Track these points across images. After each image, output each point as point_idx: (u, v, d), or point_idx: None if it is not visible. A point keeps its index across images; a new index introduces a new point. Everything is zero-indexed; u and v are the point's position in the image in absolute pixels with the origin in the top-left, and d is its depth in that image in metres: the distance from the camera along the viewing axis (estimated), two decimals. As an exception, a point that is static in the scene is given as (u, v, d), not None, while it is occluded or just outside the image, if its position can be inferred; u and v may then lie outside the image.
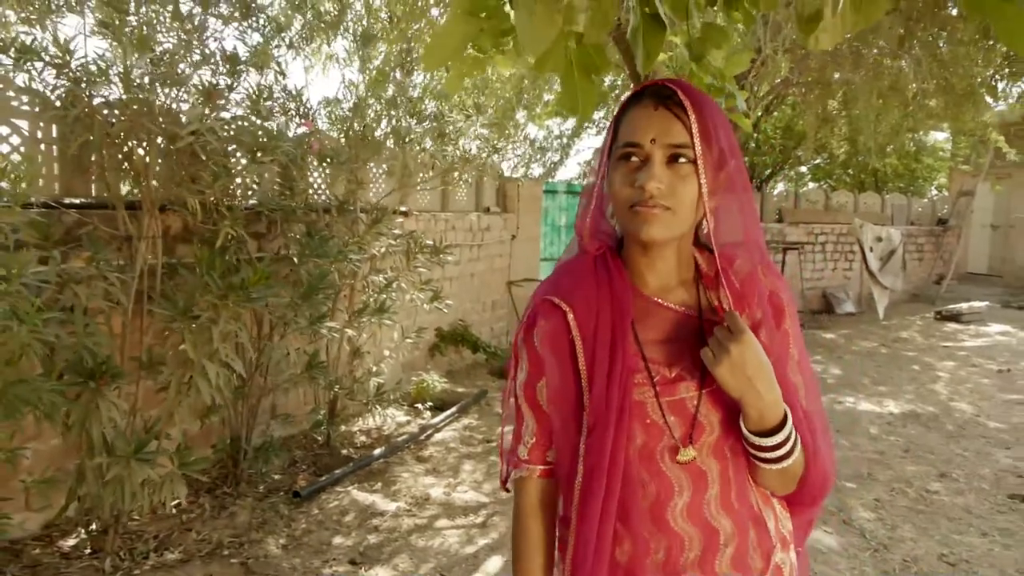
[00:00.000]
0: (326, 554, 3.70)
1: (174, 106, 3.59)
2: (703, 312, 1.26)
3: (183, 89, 3.52)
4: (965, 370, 8.66)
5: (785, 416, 1.17)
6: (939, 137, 17.22)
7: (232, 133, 3.50)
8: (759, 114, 9.89)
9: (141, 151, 3.46)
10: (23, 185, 2.75)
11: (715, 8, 2.41)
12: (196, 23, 3.49)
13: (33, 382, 2.76)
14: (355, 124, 5.00)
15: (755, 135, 11.80)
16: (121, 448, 3.21)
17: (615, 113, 1.25)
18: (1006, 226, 16.12)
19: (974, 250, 17.14)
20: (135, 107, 3.32)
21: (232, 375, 3.72)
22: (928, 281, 15.57)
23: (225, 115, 3.55)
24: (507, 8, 1.39)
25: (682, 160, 1.16)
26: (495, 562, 3.66)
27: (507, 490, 1.41)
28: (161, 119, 3.45)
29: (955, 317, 12.42)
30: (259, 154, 3.49)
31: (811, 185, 18.96)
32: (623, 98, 1.25)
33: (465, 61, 1.46)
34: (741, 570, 1.22)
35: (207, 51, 3.69)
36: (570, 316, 1.25)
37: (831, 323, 11.89)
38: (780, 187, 18.18)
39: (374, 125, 5.16)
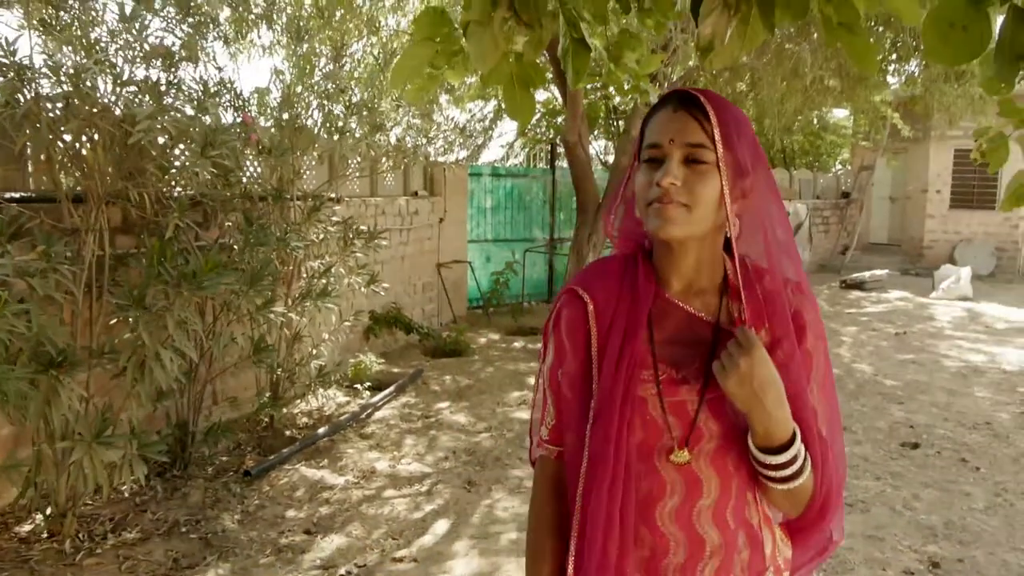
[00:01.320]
0: (281, 526, 3.92)
1: (119, 102, 3.70)
2: (721, 320, 1.27)
3: (126, 85, 3.63)
4: (866, 334, 9.34)
5: (794, 435, 1.18)
6: (840, 115, 18.11)
7: (178, 128, 3.64)
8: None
9: (88, 146, 3.56)
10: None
11: (629, 16, 2.70)
12: (136, 21, 3.60)
13: (1, 370, 2.89)
14: (285, 114, 5.15)
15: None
16: (83, 433, 3.36)
17: (643, 119, 1.30)
18: (903, 198, 17.14)
19: (875, 221, 18.17)
20: (83, 104, 3.43)
21: (183, 361, 3.88)
22: (834, 252, 16.47)
23: (171, 112, 3.67)
24: (458, 34, 1.66)
25: (699, 160, 1.19)
26: (442, 525, 3.95)
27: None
28: (106, 115, 3.57)
29: (858, 285, 13.25)
30: (207, 148, 3.63)
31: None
32: (653, 104, 1.31)
33: (424, 77, 1.72)
34: None
35: (146, 47, 3.81)
36: (589, 307, 1.30)
37: (745, 295, 12.51)
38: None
39: (304, 115, 5.32)
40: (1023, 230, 15.22)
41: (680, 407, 1.23)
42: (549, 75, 5.64)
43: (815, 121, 16.32)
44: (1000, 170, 2.06)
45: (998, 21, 1.38)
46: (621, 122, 11.85)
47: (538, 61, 1.76)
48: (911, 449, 5.08)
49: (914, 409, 6.05)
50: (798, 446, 1.18)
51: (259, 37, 4.89)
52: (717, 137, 1.18)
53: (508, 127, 14.76)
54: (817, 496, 1.22)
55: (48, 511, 3.83)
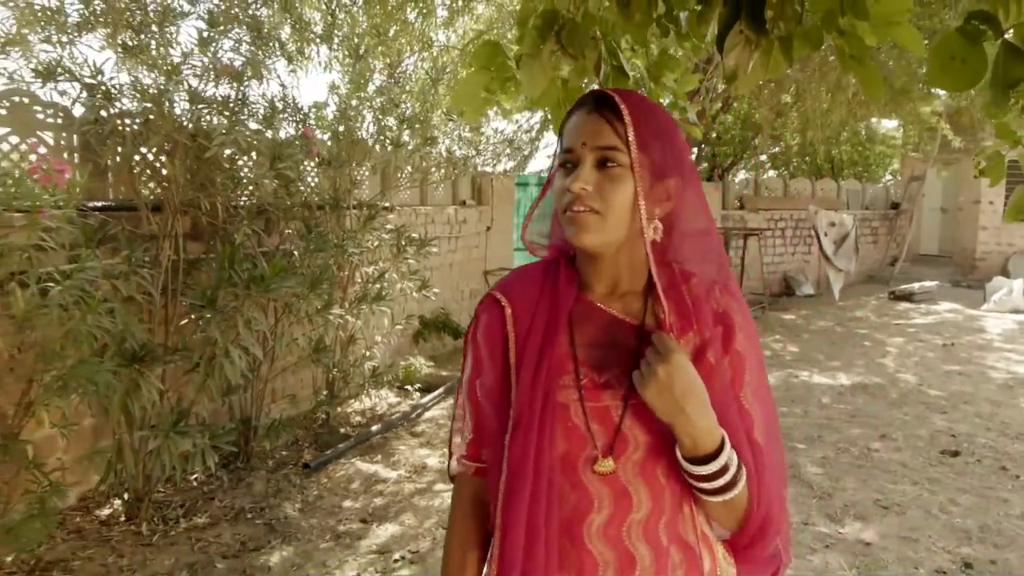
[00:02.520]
0: (339, 515, 4.16)
1: (193, 118, 4.01)
2: (646, 324, 1.21)
3: (201, 103, 3.93)
4: (912, 345, 9.32)
5: (722, 443, 1.12)
6: (890, 125, 17.95)
7: (249, 143, 3.93)
8: (718, 106, 10.44)
9: (166, 159, 3.86)
10: (76, 192, 3.17)
11: (668, 39, 2.91)
12: (210, 46, 3.91)
13: (92, 364, 3.18)
14: (341, 127, 5.43)
15: (715, 126, 12.41)
16: (162, 423, 3.65)
17: (562, 121, 1.27)
18: (954, 209, 16.92)
19: (925, 232, 17.95)
20: (163, 121, 3.74)
21: (249, 359, 4.16)
22: (882, 263, 16.32)
23: (242, 128, 3.96)
24: (511, 63, 1.87)
25: (612, 163, 1.14)
26: (489, 516, 4.16)
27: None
28: (182, 131, 3.88)
29: (907, 297, 13.14)
30: (276, 161, 3.92)
31: (771, 173, 19.66)
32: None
33: (480, 101, 1.93)
34: None
35: (218, 66, 4.12)
36: (507, 311, 1.25)
37: (791, 305, 12.53)
38: (741, 175, 18.85)
39: (359, 128, 5.60)
40: (1080, 242, 14.93)
41: (603, 413, 1.17)
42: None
43: (862, 132, 16.20)
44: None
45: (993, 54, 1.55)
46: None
47: (582, 84, 1.97)
48: (951, 457, 5.14)
49: (957, 419, 6.09)
50: (727, 454, 1.12)
51: (317, 54, 5.16)
52: (631, 138, 1.14)
53: (554, 137, 14.96)
54: (755, 507, 1.15)
55: (125, 496, 4.14)
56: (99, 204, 4.29)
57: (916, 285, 13.40)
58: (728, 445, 1.12)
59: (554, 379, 1.18)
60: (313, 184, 5.65)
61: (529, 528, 1.14)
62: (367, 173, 6.47)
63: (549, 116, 2.19)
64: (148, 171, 4.17)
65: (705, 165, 16.34)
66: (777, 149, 17.92)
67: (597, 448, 1.16)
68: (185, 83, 3.93)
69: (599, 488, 1.15)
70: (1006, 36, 1.46)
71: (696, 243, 1.25)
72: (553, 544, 1.14)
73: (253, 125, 4.44)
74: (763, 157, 19.37)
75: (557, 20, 1.74)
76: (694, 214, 1.24)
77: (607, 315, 1.23)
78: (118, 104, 3.92)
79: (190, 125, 4.10)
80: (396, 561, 3.64)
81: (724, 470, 1.11)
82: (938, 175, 15.78)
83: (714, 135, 15.20)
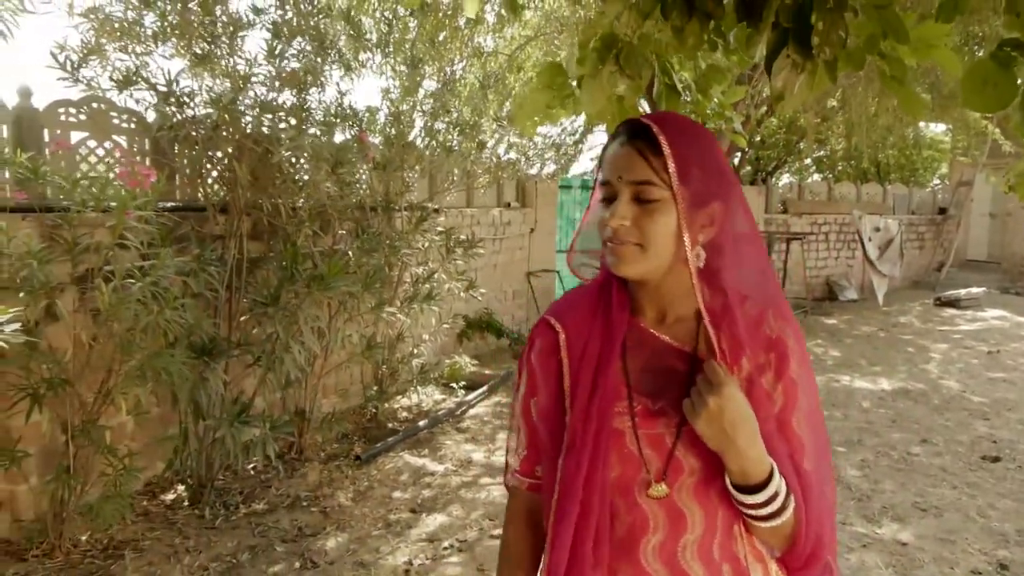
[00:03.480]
0: (389, 505, 4.35)
1: (259, 125, 4.22)
2: (698, 349, 1.23)
3: (268, 111, 4.15)
4: (957, 351, 9.25)
5: (771, 473, 1.13)
6: (938, 130, 17.72)
7: (315, 149, 4.13)
8: (763, 110, 10.47)
9: (236, 163, 4.08)
10: (157, 194, 3.40)
11: (717, 52, 3.03)
12: (277, 58, 4.12)
13: (167, 355, 3.40)
14: (393, 131, 5.62)
15: (759, 129, 12.42)
16: (226, 413, 3.87)
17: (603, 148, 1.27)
18: (1003, 214, 16.65)
19: (974, 238, 17.68)
20: (233, 128, 3.96)
21: (307, 354, 4.37)
22: (929, 268, 16.13)
23: (307, 134, 4.17)
24: (571, 82, 2.02)
25: (648, 199, 1.16)
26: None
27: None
28: (249, 137, 4.09)
29: (953, 303, 12.99)
30: (337, 166, 4.12)
31: (816, 177, 19.53)
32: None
33: (542, 116, 2.09)
34: None
35: (283, 75, 4.33)
36: (561, 337, 1.28)
37: (834, 309, 12.48)
38: (785, 179, 18.75)
39: (408, 133, 5.79)
40: None
41: (657, 440, 1.19)
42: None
43: (910, 136, 16.03)
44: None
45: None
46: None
47: (636, 101, 2.11)
48: (991, 462, 5.17)
49: (999, 425, 6.09)
50: (776, 484, 1.13)
51: (372, 61, 5.35)
52: (671, 170, 1.15)
53: (598, 140, 15.05)
54: (804, 532, 1.16)
55: (189, 482, 4.37)
56: (168, 205, 4.54)
57: (963, 291, 13.24)
58: (777, 475, 1.13)
59: (608, 405, 1.20)
60: (365, 187, 5.86)
61: (575, 548, 1.16)
62: (416, 176, 6.67)
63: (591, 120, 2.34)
64: (215, 174, 4.39)
65: (748, 169, 16.30)
66: (822, 153, 17.80)
67: (650, 472, 1.18)
68: (252, 91, 4.15)
69: (655, 510, 1.18)
70: (1036, 63, 1.57)
71: (744, 265, 1.25)
72: (601, 566, 1.17)
73: (311, 130, 4.65)
74: (807, 161, 19.24)
75: (616, 43, 1.88)
76: (739, 236, 1.24)
77: (659, 342, 1.24)
78: (189, 111, 4.15)
79: (255, 131, 4.32)
80: (445, 549, 3.81)
81: (772, 499, 1.12)
82: (987, 180, 15.53)
83: (758, 139, 15.17)
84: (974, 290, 13.36)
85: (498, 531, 4.03)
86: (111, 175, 3.34)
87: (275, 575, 3.53)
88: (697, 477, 1.17)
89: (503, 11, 6.83)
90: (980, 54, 8.56)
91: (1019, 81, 1.63)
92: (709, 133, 1.26)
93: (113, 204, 3.25)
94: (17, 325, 2.42)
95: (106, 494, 3.58)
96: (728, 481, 1.15)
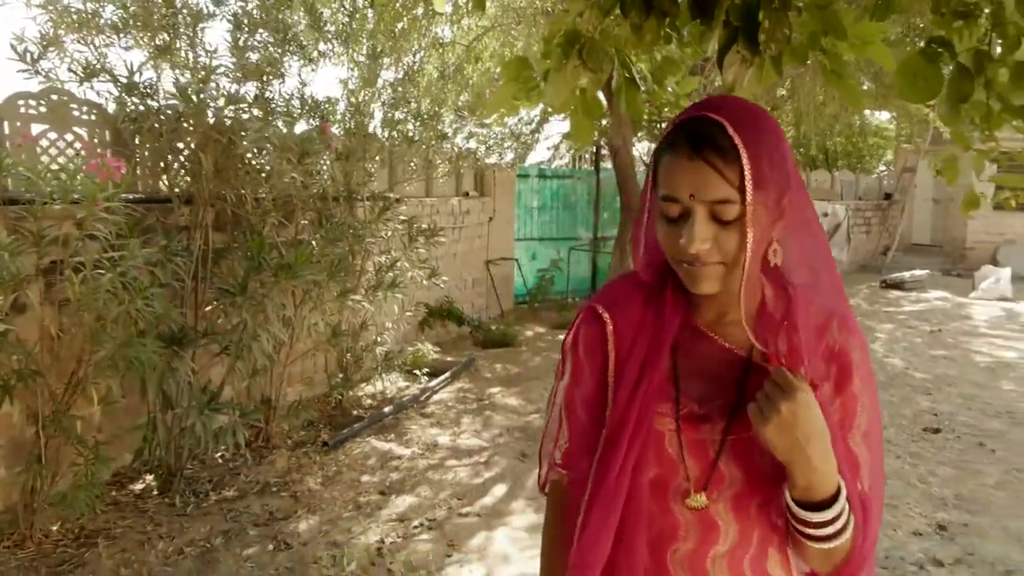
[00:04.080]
0: (358, 488, 4.44)
1: (223, 115, 4.27)
2: (753, 355, 1.15)
3: (233, 102, 4.19)
4: (901, 331, 9.62)
5: (838, 491, 1.06)
6: (883, 117, 18.24)
7: (279, 140, 4.19)
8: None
9: (201, 154, 4.11)
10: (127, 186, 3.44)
11: (672, 46, 3.18)
12: (240, 44, 4.16)
13: (138, 344, 3.45)
14: (353, 122, 5.68)
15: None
16: (194, 402, 3.92)
17: (657, 145, 1.16)
18: (946, 200, 17.22)
19: (918, 223, 18.29)
20: (199, 119, 4.00)
21: (274, 342, 4.43)
22: (875, 252, 16.63)
23: (272, 125, 4.23)
24: (536, 76, 2.14)
25: (727, 218, 1.06)
26: (500, 488, 4.46)
27: (545, 494, 1.38)
28: (215, 127, 4.14)
29: (898, 285, 13.45)
30: (304, 157, 4.18)
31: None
32: (665, 130, 1.15)
33: (509, 107, 2.20)
34: None
35: (247, 67, 4.37)
36: (609, 327, 1.22)
37: (784, 293, 12.80)
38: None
39: (368, 123, 5.86)
40: (1067, 232, 15.26)
41: (700, 446, 1.14)
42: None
43: (856, 124, 16.49)
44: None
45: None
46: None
47: (597, 92, 2.24)
48: (932, 433, 5.45)
49: (940, 399, 6.40)
50: (843, 503, 1.06)
51: (332, 52, 5.40)
52: (748, 180, 1.04)
53: (554, 129, 15.21)
54: (855, 556, 1.09)
55: (158, 472, 4.40)
56: (131, 197, 4.55)
57: (907, 274, 13.71)
58: (844, 493, 1.06)
59: (651, 404, 1.15)
60: (327, 177, 5.91)
61: (601, 545, 1.13)
62: (377, 166, 6.73)
63: (549, 110, 2.45)
64: (177, 165, 4.42)
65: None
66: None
67: (689, 480, 1.14)
68: (216, 82, 4.19)
69: (687, 518, 1.14)
70: (959, 59, 1.73)
71: (810, 257, 1.19)
72: (636, 565, 1.13)
73: (275, 121, 4.69)
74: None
75: (579, 39, 2.01)
76: (805, 225, 1.17)
77: (714, 343, 1.18)
78: (152, 102, 4.18)
79: (219, 122, 4.36)
80: (415, 527, 3.93)
81: (836, 518, 1.05)
82: (929, 166, 16.06)
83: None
84: (918, 273, 13.84)
85: (466, 509, 4.17)
86: (80, 167, 3.35)
87: (249, 557, 3.61)
88: (736, 489, 1.13)
89: (468, 7, 6.92)
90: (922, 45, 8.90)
91: (945, 74, 1.79)
92: (768, 115, 1.14)
93: (80, 197, 3.28)
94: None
95: (77, 483, 3.61)
96: (789, 496, 1.08)
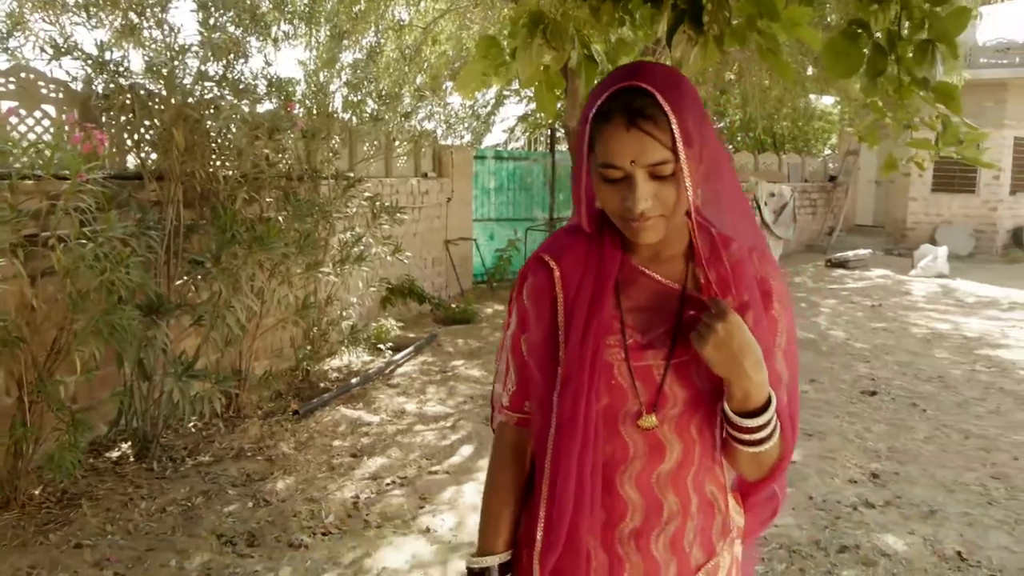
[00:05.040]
0: (331, 452, 4.65)
1: (194, 95, 4.40)
2: (687, 287, 1.27)
3: (204, 80, 4.33)
4: (844, 306, 10.08)
5: (769, 398, 1.19)
6: (828, 101, 18.79)
7: (252, 118, 4.34)
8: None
9: (174, 131, 4.24)
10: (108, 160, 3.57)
11: (625, 28, 3.42)
12: (214, 31, 4.30)
13: (119, 311, 3.60)
14: (314, 102, 5.83)
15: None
16: (174, 369, 4.08)
17: (587, 113, 1.22)
18: (887, 182, 17.86)
19: (861, 204, 18.92)
20: (171, 97, 4.13)
21: (247, 312, 4.59)
22: (820, 233, 17.21)
23: (242, 103, 4.37)
24: (505, 53, 2.36)
25: (664, 175, 1.16)
26: (467, 449, 4.70)
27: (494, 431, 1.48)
28: (189, 106, 4.27)
29: (842, 264, 13.98)
30: (275, 134, 4.34)
31: (717, 147, 20.38)
32: (593, 98, 1.21)
33: (479, 83, 2.42)
34: (676, 555, 1.26)
35: (214, 47, 4.50)
36: (556, 273, 1.30)
37: (734, 272, 13.22)
38: (688, 149, 19.47)
39: (330, 103, 6.01)
40: (1000, 213, 15.97)
41: (646, 371, 1.24)
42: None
43: (802, 107, 17.00)
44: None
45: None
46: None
47: (559, 68, 2.47)
48: (869, 396, 5.83)
49: (878, 367, 6.80)
50: (773, 409, 1.19)
51: (295, 32, 5.55)
52: (678, 139, 1.15)
53: (509, 112, 15.41)
54: (783, 459, 1.25)
55: (137, 438, 4.54)
56: (102, 173, 4.66)
57: (851, 253, 14.25)
58: (775, 402, 1.20)
59: (601, 339, 1.24)
60: (291, 155, 6.05)
61: (578, 478, 1.22)
62: (338, 145, 6.88)
63: (504, 93, 2.67)
64: (146, 142, 4.54)
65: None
66: (722, 125, 18.65)
67: (641, 404, 1.24)
68: (185, 61, 4.32)
69: (636, 440, 1.24)
70: (875, 39, 2.00)
71: (724, 195, 1.32)
72: (597, 491, 1.23)
73: (229, 99, 4.83)
74: (709, 132, 20.08)
75: (542, 20, 2.23)
76: (718, 165, 1.28)
77: (651, 280, 1.29)
78: (123, 80, 4.29)
79: (190, 99, 4.49)
80: (388, 484, 4.15)
81: (768, 423, 1.19)
82: (871, 148, 16.63)
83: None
84: (861, 252, 14.39)
85: (436, 468, 4.40)
86: (63, 139, 3.47)
87: (231, 513, 3.79)
88: (680, 409, 1.24)
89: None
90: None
91: (864, 51, 2.06)
92: (683, 76, 1.26)
93: (63, 170, 3.41)
94: (-4, 277, 2.61)
95: (61, 446, 3.75)
96: (727, 408, 1.21)
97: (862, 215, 19.05)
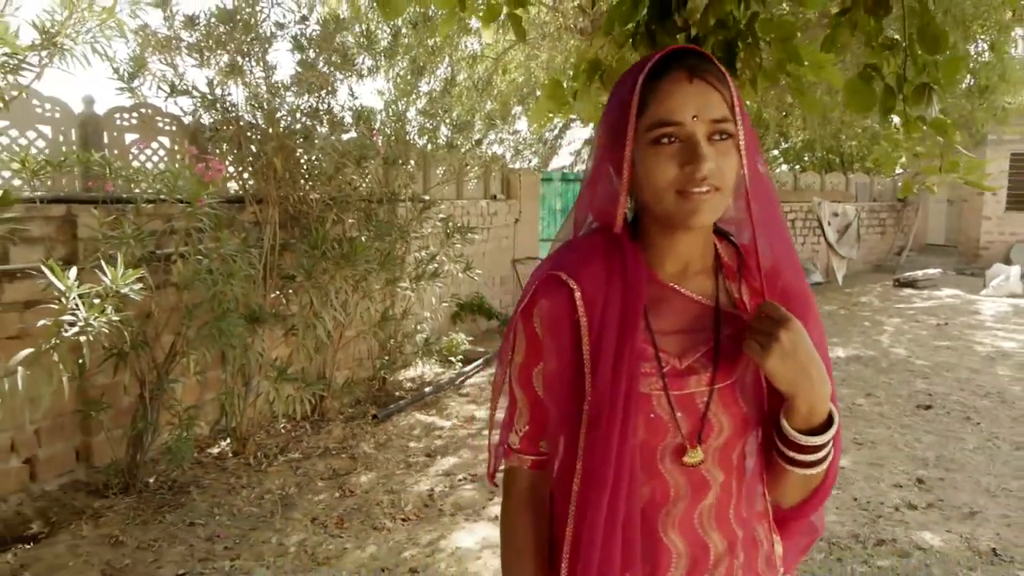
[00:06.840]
0: (407, 452, 5.06)
1: (295, 126, 4.93)
2: (720, 302, 1.16)
3: (304, 115, 4.85)
4: (909, 325, 10.11)
5: (830, 414, 1.09)
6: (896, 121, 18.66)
7: (342, 146, 4.84)
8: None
9: (276, 160, 4.75)
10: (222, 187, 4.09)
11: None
12: (308, 64, 4.82)
13: (229, 319, 4.09)
14: (394, 130, 6.31)
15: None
16: (271, 372, 4.56)
17: (633, 88, 1.10)
18: (960, 201, 17.63)
19: (932, 223, 18.71)
20: (274, 129, 4.65)
21: (333, 323, 5.07)
22: (890, 252, 17.06)
23: (335, 135, 4.87)
24: (567, 95, 2.75)
25: (726, 134, 1.07)
26: (532, 451, 5.05)
27: (495, 484, 1.36)
28: (289, 137, 4.80)
29: (911, 283, 13.88)
30: (363, 162, 4.82)
31: (783, 168, 20.43)
32: (642, 68, 1.10)
33: (547, 118, 2.81)
34: None
35: (309, 84, 5.02)
36: (577, 294, 1.14)
37: (798, 291, 13.29)
38: (754, 170, 19.53)
39: (408, 131, 6.50)
40: (1079, 231, 15.63)
41: (688, 400, 1.12)
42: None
43: (872, 128, 16.99)
44: None
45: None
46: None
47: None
48: (924, 410, 5.98)
49: (936, 383, 6.91)
50: (837, 424, 1.09)
51: (379, 67, 6.05)
52: (736, 101, 1.07)
53: (576, 135, 15.81)
54: (828, 480, 1.14)
55: (236, 436, 5.04)
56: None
57: (920, 272, 14.12)
58: (837, 417, 1.10)
59: (636, 368, 1.10)
60: (371, 180, 6.56)
61: (607, 527, 1.08)
62: (414, 170, 7.38)
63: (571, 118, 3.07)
64: (251, 170, 5.08)
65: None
66: (787, 145, 18.71)
67: (682, 437, 1.11)
68: (285, 96, 4.84)
69: (677, 478, 1.12)
70: (886, 80, 2.32)
71: (759, 213, 1.17)
72: (632, 542, 1.10)
73: (321, 129, 5.34)
74: (775, 152, 20.13)
75: (600, 66, 2.61)
76: (759, 176, 1.17)
77: (682, 297, 1.17)
78: (230, 114, 4.84)
79: (289, 131, 5.02)
80: (460, 480, 4.55)
81: (829, 442, 1.09)
82: (888, 175, 16.47)
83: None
84: (931, 271, 14.25)
85: (503, 467, 4.76)
86: (184, 169, 4.00)
87: (321, 501, 4.24)
88: (724, 439, 1.12)
89: (513, 35, 7.58)
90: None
91: (877, 91, 2.38)
92: None
93: (185, 196, 3.94)
94: (139, 286, 3.11)
95: (177, 439, 4.26)
96: (788, 427, 1.09)
97: (934, 234, 18.82)
